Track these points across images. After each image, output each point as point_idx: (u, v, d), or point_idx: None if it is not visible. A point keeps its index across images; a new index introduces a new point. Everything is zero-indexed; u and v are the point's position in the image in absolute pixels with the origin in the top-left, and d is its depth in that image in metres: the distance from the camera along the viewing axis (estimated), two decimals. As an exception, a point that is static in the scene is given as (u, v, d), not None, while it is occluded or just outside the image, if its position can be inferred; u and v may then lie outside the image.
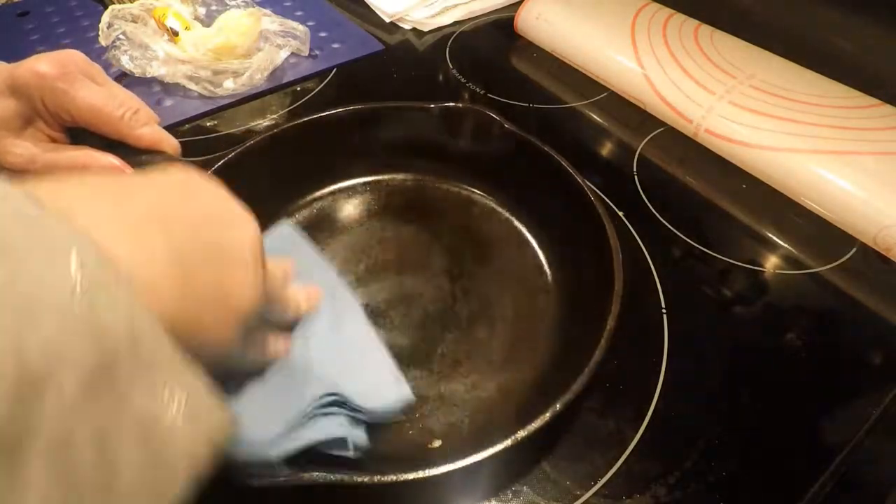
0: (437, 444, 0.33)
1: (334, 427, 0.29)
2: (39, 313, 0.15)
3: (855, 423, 0.35)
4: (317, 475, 0.27)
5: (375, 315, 0.40)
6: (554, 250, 0.43)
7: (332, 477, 0.27)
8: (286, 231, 0.39)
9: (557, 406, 0.29)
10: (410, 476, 0.27)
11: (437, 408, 0.35)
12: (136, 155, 0.38)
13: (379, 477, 0.27)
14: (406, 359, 0.37)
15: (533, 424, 0.28)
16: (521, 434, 0.28)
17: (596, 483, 0.32)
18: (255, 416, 0.28)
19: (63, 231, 0.17)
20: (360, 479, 0.27)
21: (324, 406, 0.30)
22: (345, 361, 0.32)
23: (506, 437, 0.28)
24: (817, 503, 0.32)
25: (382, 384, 0.32)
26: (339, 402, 0.30)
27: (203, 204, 0.25)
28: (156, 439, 0.18)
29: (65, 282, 0.16)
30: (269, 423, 0.28)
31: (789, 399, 0.36)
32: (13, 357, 0.14)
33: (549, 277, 0.42)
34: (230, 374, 0.28)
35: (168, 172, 0.26)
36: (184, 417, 0.19)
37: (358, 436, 0.30)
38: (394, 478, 0.27)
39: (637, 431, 0.34)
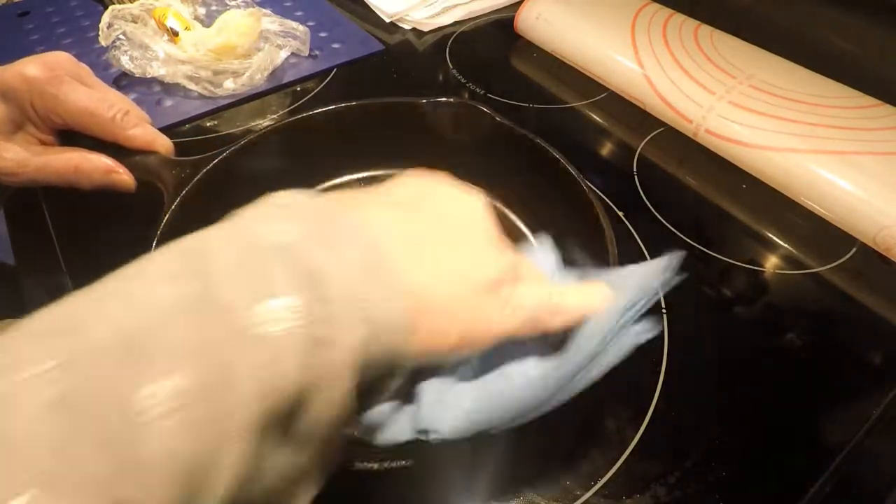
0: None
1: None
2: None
3: (855, 423, 0.35)
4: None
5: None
6: (549, 242, 0.43)
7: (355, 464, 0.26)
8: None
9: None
10: (411, 462, 0.27)
11: None
12: (128, 156, 0.38)
13: (388, 463, 0.27)
14: None
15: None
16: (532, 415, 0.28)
17: (596, 483, 0.32)
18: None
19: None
20: (369, 466, 0.27)
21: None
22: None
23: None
24: (817, 503, 0.32)
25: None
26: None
27: (463, 228, 0.25)
28: None
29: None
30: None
31: (789, 399, 0.36)
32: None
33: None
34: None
35: (424, 182, 0.26)
36: None
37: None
38: (400, 463, 0.27)
39: (637, 431, 0.34)
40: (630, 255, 0.36)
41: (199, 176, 0.38)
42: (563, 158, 0.42)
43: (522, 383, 0.26)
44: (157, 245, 0.34)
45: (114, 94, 0.38)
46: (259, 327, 0.17)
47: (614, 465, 0.33)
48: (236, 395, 0.16)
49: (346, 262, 0.19)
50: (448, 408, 0.25)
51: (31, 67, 0.34)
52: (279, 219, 0.20)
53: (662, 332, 0.39)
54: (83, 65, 0.38)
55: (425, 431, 0.25)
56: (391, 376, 0.22)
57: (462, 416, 0.25)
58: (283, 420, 0.17)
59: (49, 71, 0.35)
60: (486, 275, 0.23)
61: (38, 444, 0.13)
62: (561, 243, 0.43)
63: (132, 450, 0.14)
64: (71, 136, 0.38)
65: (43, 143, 0.37)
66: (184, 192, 0.37)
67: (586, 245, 0.39)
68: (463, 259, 0.23)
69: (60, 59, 0.36)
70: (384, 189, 0.25)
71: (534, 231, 0.45)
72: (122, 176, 0.37)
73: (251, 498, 0.17)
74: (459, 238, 0.24)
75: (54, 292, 0.20)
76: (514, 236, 0.45)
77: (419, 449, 0.27)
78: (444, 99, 0.46)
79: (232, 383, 0.16)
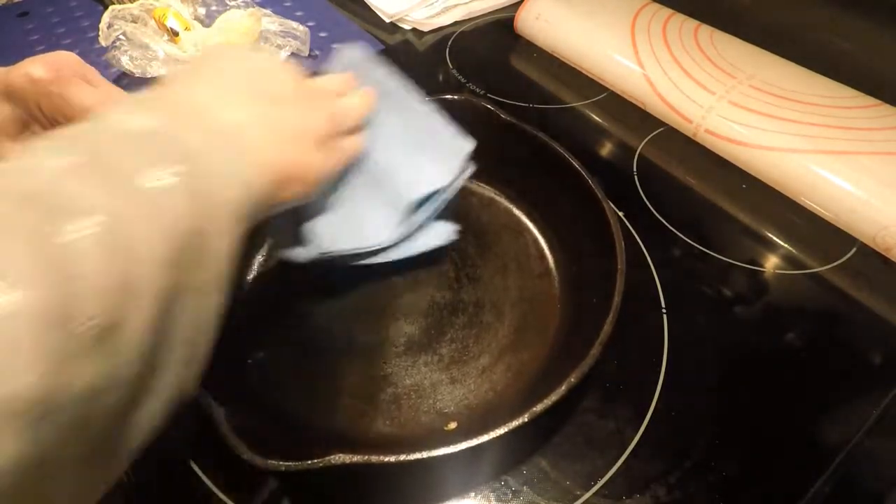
0: (452, 426, 0.34)
1: (430, 239, 0.40)
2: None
3: (855, 423, 0.35)
4: (343, 457, 0.27)
5: (383, 305, 0.40)
6: (553, 235, 0.44)
7: (355, 459, 0.27)
8: (352, 54, 0.40)
9: (572, 379, 0.29)
10: (426, 454, 0.27)
11: (450, 391, 0.36)
12: None
13: (404, 456, 0.27)
14: (416, 345, 0.38)
15: (550, 398, 0.29)
16: (539, 408, 0.28)
17: (596, 483, 0.32)
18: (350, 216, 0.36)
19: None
20: (381, 459, 0.27)
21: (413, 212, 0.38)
22: (410, 147, 0.38)
23: (521, 414, 0.28)
24: (817, 503, 0.32)
25: (445, 157, 0.39)
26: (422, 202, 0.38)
27: (249, 65, 0.30)
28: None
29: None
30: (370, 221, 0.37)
31: (789, 399, 0.36)
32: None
33: (551, 261, 0.43)
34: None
35: (216, 50, 0.32)
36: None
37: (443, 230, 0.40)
38: (416, 456, 0.27)
39: (637, 431, 0.34)
40: (630, 255, 0.36)
41: None
42: (569, 154, 0.42)
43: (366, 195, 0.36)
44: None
45: (120, 94, 0.38)
46: (149, 183, 0.19)
47: (614, 465, 0.33)
48: (141, 237, 0.18)
49: (209, 141, 0.24)
50: (322, 226, 0.35)
51: (37, 67, 0.34)
52: (137, 111, 0.23)
53: (662, 332, 0.39)
54: (89, 65, 0.38)
55: (317, 255, 0.35)
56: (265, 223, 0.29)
57: (336, 235, 0.35)
58: (185, 265, 0.20)
59: (55, 71, 0.35)
60: (317, 131, 0.30)
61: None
62: (559, 228, 0.43)
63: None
64: None
65: None
66: None
67: (584, 227, 0.39)
68: (296, 124, 0.29)
69: (66, 59, 0.36)
70: (207, 67, 0.30)
71: (533, 217, 0.45)
72: None
73: (171, 346, 0.19)
74: (289, 105, 0.29)
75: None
76: (515, 223, 0.45)
77: (423, 442, 0.27)
78: (449, 96, 0.46)
79: (134, 227, 0.18)
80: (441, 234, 0.40)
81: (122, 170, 0.19)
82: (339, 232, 0.35)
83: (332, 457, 0.27)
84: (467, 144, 0.40)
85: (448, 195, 0.39)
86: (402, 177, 0.37)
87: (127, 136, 0.21)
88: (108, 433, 0.18)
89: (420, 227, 0.39)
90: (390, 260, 0.38)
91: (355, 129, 0.35)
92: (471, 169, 0.41)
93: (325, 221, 0.35)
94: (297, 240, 0.36)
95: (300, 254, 0.36)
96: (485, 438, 0.28)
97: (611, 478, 0.32)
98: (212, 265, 0.22)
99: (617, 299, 0.33)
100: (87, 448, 0.17)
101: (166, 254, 0.19)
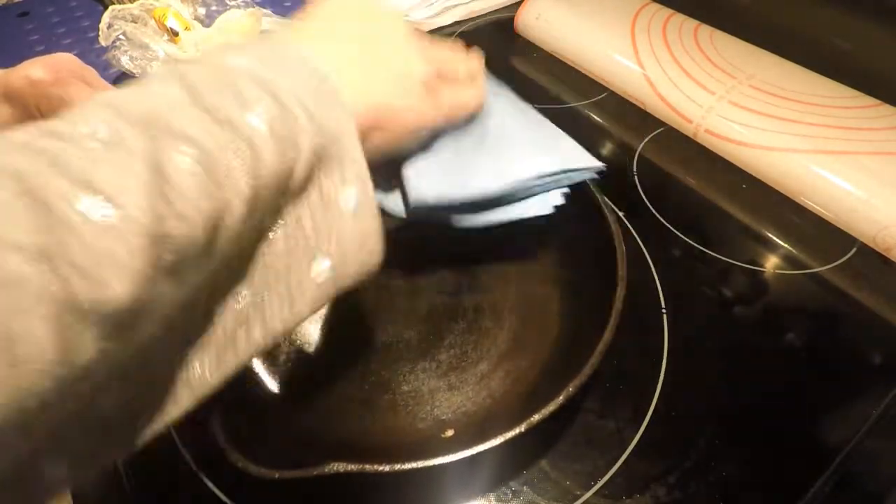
0: (449, 433, 0.34)
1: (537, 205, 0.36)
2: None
3: (855, 423, 0.35)
4: (338, 466, 0.27)
5: (381, 310, 0.40)
6: (552, 239, 0.43)
7: (351, 467, 0.27)
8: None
9: (570, 389, 0.29)
10: (421, 464, 0.27)
11: (448, 398, 0.35)
12: None
13: (399, 465, 0.27)
14: (414, 350, 0.38)
15: (547, 408, 0.29)
16: (536, 418, 0.28)
17: (596, 483, 0.32)
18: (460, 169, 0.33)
19: (299, 55, 0.24)
20: (376, 468, 0.27)
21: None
22: (529, 131, 0.37)
23: (519, 423, 0.28)
24: (817, 503, 0.32)
25: (575, 149, 0.37)
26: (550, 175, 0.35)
27: (357, 8, 0.29)
28: (332, 212, 0.23)
29: (307, 89, 0.23)
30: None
31: (789, 399, 0.36)
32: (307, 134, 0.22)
33: (551, 267, 0.42)
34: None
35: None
36: (353, 211, 0.24)
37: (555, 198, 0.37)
38: (412, 465, 0.27)
39: (637, 431, 0.34)
40: (630, 255, 0.36)
41: None
42: None
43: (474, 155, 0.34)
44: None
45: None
46: (244, 119, 0.20)
47: (614, 465, 0.33)
48: (235, 173, 0.19)
49: (296, 81, 0.23)
50: (423, 180, 0.32)
51: (37, 69, 0.34)
52: (234, 52, 0.23)
53: (662, 332, 0.39)
54: (88, 66, 0.38)
55: (413, 204, 0.33)
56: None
57: (437, 183, 0.32)
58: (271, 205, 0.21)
59: (54, 73, 0.35)
60: (415, 77, 0.29)
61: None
62: (560, 232, 0.43)
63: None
64: None
65: None
66: None
67: (585, 232, 0.39)
68: (395, 68, 0.28)
69: (66, 61, 0.36)
70: (319, 21, 0.29)
71: (537, 232, 0.45)
72: None
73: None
74: (390, 50, 0.29)
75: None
76: (515, 228, 0.45)
77: (420, 450, 0.27)
78: None
79: (229, 161, 0.19)
80: (546, 203, 0.37)
81: (221, 107, 0.20)
82: (439, 181, 0.33)
83: (328, 466, 0.27)
84: (592, 161, 0.37)
85: (564, 181, 0.37)
86: (517, 151, 0.35)
87: (227, 73, 0.22)
88: (162, 363, 0.20)
89: (528, 194, 0.36)
90: (490, 223, 0.36)
91: (471, 83, 0.33)
92: (597, 169, 0.38)
93: (425, 170, 0.32)
94: (390, 188, 0.34)
95: (394, 205, 0.34)
96: (481, 448, 0.27)
97: (611, 478, 0.32)
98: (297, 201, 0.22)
99: (618, 306, 0.32)
100: (142, 374, 0.19)
101: (253, 191, 0.20)
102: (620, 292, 0.33)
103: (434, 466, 0.27)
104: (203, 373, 0.21)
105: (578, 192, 0.40)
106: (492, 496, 0.32)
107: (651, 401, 0.35)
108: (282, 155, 0.21)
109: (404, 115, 0.28)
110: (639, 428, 0.34)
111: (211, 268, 0.20)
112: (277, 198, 0.21)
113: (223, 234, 0.19)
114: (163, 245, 0.17)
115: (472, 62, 0.34)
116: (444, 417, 0.34)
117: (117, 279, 0.15)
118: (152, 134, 0.18)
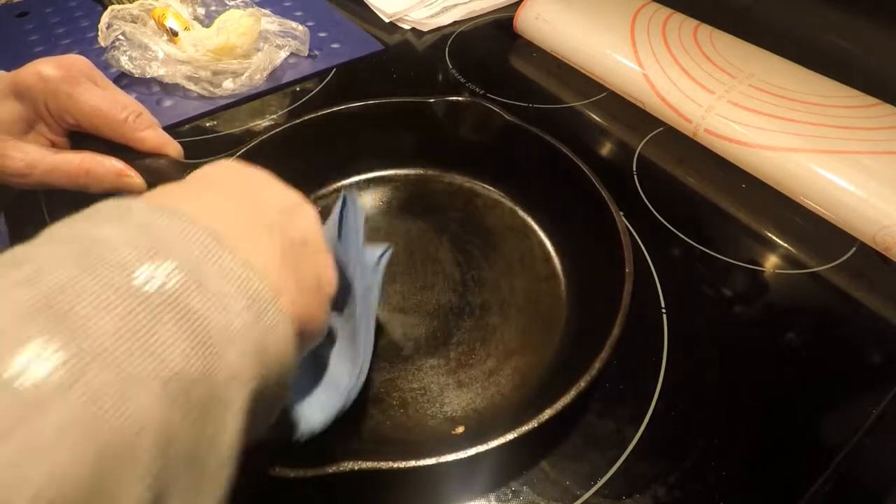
0: (460, 430, 0.34)
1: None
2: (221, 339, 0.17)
3: (855, 423, 0.35)
4: (351, 465, 0.27)
5: (388, 307, 0.40)
6: (559, 237, 0.44)
7: (365, 465, 0.27)
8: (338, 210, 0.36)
9: (582, 384, 0.30)
10: (435, 461, 0.27)
11: (457, 395, 0.35)
12: (139, 158, 0.38)
13: (414, 462, 0.27)
14: (423, 348, 0.38)
15: (558, 403, 0.29)
16: (547, 413, 0.28)
17: (596, 483, 0.32)
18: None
19: (212, 245, 0.19)
20: (391, 465, 0.27)
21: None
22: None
23: (530, 419, 0.28)
24: (817, 503, 0.32)
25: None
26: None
27: (273, 199, 0.25)
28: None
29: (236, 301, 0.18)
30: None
31: (789, 399, 0.36)
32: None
33: (557, 264, 0.42)
34: None
35: (216, 167, 0.26)
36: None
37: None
38: (425, 462, 0.27)
39: (637, 431, 0.34)
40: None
41: None
42: (575, 156, 0.42)
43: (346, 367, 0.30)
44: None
45: (127, 97, 0.38)
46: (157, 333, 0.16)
47: (614, 465, 0.33)
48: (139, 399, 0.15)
49: (229, 310, 0.18)
50: (313, 408, 0.29)
51: (47, 67, 0.35)
52: (153, 256, 0.17)
53: (662, 332, 0.39)
54: (97, 68, 0.38)
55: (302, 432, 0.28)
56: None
57: (325, 411, 0.29)
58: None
59: (64, 71, 0.35)
60: (331, 286, 0.25)
61: None
62: (564, 229, 0.43)
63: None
64: (80, 140, 0.38)
65: (54, 144, 0.37)
66: None
67: (590, 228, 0.39)
68: (318, 274, 0.24)
69: (76, 61, 0.36)
70: (212, 192, 0.24)
71: (538, 219, 0.45)
72: (134, 179, 0.37)
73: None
74: (310, 251, 0.25)
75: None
76: (520, 225, 0.45)
77: (432, 447, 0.27)
78: (454, 98, 0.46)
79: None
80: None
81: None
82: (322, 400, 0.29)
83: (342, 464, 0.27)
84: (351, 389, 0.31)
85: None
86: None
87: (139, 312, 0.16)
88: None
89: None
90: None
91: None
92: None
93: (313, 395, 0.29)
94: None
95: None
96: (494, 444, 0.28)
97: (611, 478, 0.32)
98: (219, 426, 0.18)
99: (625, 301, 0.33)
100: None
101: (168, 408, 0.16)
102: (628, 288, 0.34)
103: (446, 463, 0.27)
104: None
105: (585, 190, 0.40)
106: (491, 496, 0.32)
107: (651, 401, 0.35)
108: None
109: (318, 325, 0.24)
110: (639, 428, 0.34)
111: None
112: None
113: None
114: None
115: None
116: (453, 414, 0.35)
117: None
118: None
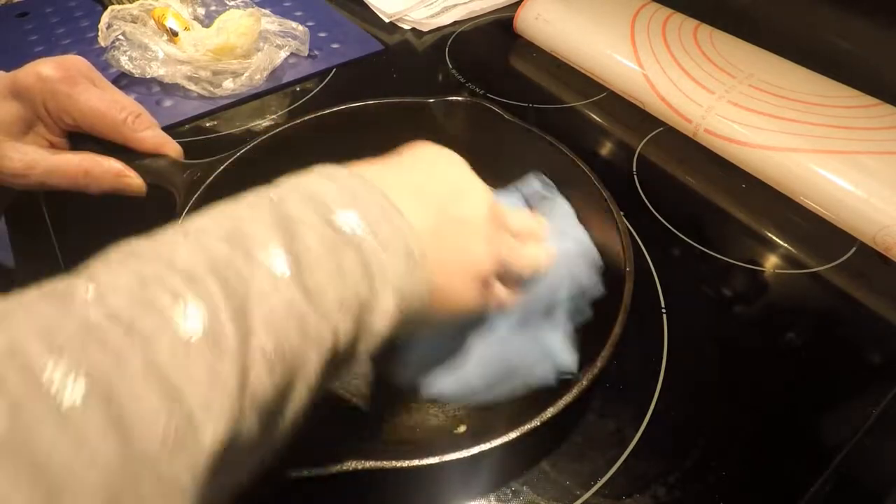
0: (462, 429, 0.34)
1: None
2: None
3: (855, 423, 0.35)
4: (355, 464, 0.27)
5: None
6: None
7: (369, 465, 0.27)
8: (537, 185, 0.38)
9: (584, 382, 0.30)
10: (438, 459, 0.27)
11: None
12: (138, 159, 0.38)
13: (417, 461, 0.27)
14: None
15: (561, 402, 0.29)
16: (550, 412, 0.28)
17: (596, 483, 0.32)
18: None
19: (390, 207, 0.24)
20: (393, 464, 0.27)
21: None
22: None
23: (532, 417, 0.28)
24: (817, 503, 0.32)
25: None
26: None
27: (449, 179, 0.28)
28: None
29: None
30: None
31: (789, 399, 0.36)
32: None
33: None
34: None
35: (417, 149, 0.30)
36: None
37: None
38: (428, 461, 0.27)
39: (637, 431, 0.34)
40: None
41: (211, 178, 0.38)
42: (574, 155, 0.42)
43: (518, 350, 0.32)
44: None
45: (126, 98, 0.38)
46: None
47: (614, 465, 0.33)
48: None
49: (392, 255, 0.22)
50: (454, 373, 0.31)
51: (47, 67, 0.35)
52: (346, 206, 0.23)
53: (662, 332, 0.39)
54: (96, 69, 0.38)
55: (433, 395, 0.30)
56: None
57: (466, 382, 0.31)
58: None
59: (64, 72, 0.35)
60: (482, 267, 0.27)
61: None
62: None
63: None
64: (79, 141, 0.38)
65: (53, 145, 0.37)
66: (196, 194, 0.37)
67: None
68: (468, 252, 0.27)
69: (75, 62, 0.36)
70: (400, 169, 0.29)
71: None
72: (133, 179, 0.37)
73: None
74: (470, 230, 0.27)
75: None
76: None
77: (434, 446, 0.27)
78: (454, 98, 0.46)
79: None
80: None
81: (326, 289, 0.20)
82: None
83: (345, 463, 0.27)
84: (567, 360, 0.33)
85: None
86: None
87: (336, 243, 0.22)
88: None
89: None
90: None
91: (516, 283, 0.31)
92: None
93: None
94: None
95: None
96: (496, 443, 0.28)
97: (611, 478, 0.32)
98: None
99: (626, 301, 0.33)
100: None
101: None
102: (628, 286, 0.34)
103: (447, 462, 0.27)
104: None
105: (585, 190, 0.40)
106: (491, 496, 0.32)
107: (651, 401, 0.35)
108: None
109: (451, 301, 0.27)
110: (639, 428, 0.34)
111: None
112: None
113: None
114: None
115: (535, 220, 0.34)
116: (455, 413, 0.35)
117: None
118: (246, 327, 0.17)
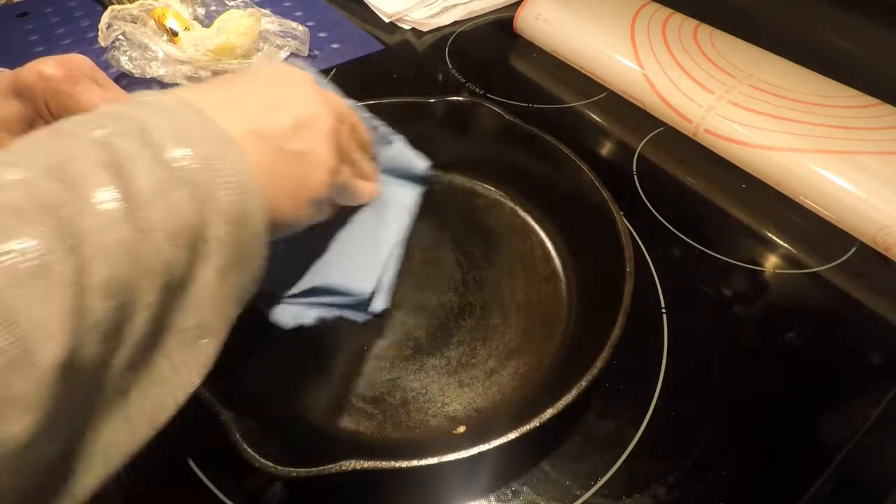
0: (461, 429, 0.34)
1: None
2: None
3: (855, 423, 0.35)
4: (353, 464, 0.27)
5: (389, 307, 0.40)
6: (559, 236, 0.44)
7: (367, 465, 0.27)
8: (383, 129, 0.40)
9: (583, 383, 0.30)
10: (437, 460, 0.27)
11: (458, 395, 0.35)
12: None
13: (416, 462, 0.27)
14: (424, 348, 0.38)
15: (560, 403, 0.29)
16: (549, 413, 0.28)
17: (596, 483, 0.32)
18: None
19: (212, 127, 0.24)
20: (392, 465, 0.27)
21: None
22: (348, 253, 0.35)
23: (531, 419, 0.28)
24: (817, 503, 0.32)
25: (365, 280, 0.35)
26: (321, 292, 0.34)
27: (290, 101, 0.29)
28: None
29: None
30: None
31: (789, 399, 0.36)
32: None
33: (558, 263, 0.42)
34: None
35: (257, 69, 0.31)
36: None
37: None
38: (427, 461, 0.27)
39: (637, 431, 0.34)
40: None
41: None
42: (575, 156, 0.42)
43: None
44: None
45: (128, 97, 0.38)
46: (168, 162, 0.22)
47: (614, 465, 0.33)
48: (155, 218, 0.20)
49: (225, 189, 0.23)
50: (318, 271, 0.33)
51: (49, 66, 0.34)
52: (178, 142, 0.23)
53: (662, 332, 0.39)
54: (99, 69, 0.38)
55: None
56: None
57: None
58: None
59: (66, 70, 0.35)
60: (320, 125, 0.29)
61: None
62: (564, 229, 0.43)
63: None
64: None
65: None
66: None
67: (591, 229, 0.39)
68: (296, 111, 0.28)
69: (78, 61, 0.36)
70: (236, 92, 0.29)
71: (538, 219, 0.45)
72: None
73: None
74: (293, 94, 0.29)
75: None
76: (520, 226, 0.45)
77: (433, 446, 0.27)
78: (454, 98, 0.46)
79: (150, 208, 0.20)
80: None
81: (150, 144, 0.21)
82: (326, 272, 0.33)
83: (344, 463, 0.27)
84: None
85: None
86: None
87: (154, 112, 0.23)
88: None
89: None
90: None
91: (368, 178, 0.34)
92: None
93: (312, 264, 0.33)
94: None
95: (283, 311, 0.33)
96: (495, 443, 0.28)
97: (611, 478, 0.32)
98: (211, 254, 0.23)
99: (626, 301, 0.33)
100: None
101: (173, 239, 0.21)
102: (629, 288, 0.34)
103: (447, 463, 0.27)
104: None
105: (585, 190, 0.40)
106: (491, 496, 0.32)
107: (651, 401, 0.35)
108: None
109: (308, 169, 0.28)
110: (639, 428, 0.34)
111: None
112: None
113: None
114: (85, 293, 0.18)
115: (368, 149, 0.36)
116: (455, 414, 0.35)
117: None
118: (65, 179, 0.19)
